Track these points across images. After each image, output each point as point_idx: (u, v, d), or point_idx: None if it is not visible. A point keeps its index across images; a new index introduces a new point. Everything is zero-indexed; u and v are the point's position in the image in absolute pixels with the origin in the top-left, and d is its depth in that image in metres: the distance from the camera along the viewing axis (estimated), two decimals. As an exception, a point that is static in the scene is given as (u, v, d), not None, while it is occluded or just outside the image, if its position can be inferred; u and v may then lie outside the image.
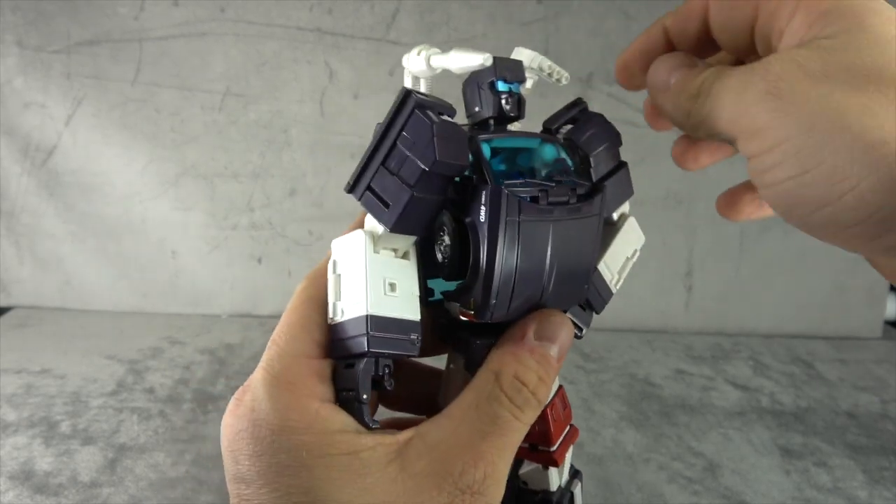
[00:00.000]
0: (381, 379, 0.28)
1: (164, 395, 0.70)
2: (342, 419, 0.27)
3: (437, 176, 0.27)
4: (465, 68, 0.29)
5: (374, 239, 0.29)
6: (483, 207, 0.27)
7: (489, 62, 0.28)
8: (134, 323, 0.91)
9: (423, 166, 0.26)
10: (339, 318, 0.29)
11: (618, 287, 0.34)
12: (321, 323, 0.29)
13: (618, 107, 0.87)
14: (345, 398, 0.28)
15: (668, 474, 0.60)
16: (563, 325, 0.29)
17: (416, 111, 0.27)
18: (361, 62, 0.87)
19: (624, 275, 0.35)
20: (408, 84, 0.31)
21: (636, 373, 0.81)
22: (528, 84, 0.33)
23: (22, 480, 0.55)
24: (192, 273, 0.94)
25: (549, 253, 0.28)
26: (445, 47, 0.30)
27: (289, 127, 0.90)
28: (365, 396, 0.27)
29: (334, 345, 0.29)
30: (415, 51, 0.30)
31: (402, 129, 0.27)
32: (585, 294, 0.31)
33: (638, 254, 0.35)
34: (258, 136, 0.90)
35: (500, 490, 0.27)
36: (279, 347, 0.28)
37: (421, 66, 0.30)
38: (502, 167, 0.28)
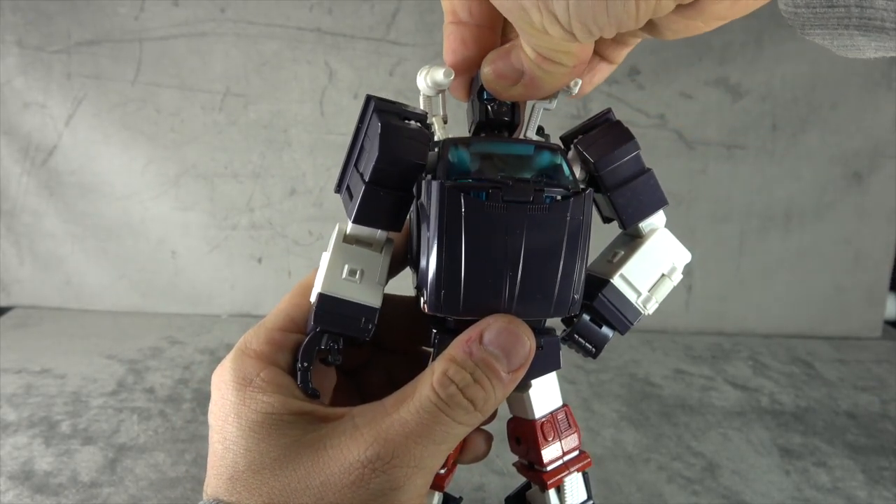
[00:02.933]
0: (326, 353, 0.31)
1: (164, 394, 0.70)
2: (282, 382, 0.30)
3: (387, 172, 0.28)
4: (437, 83, 0.30)
5: (349, 231, 0.31)
6: (429, 203, 0.27)
7: (450, 76, 0.29)
8: (134, 323, 0.91)
9: (372, 161, 0.28)
10: (312, 298, 0.32)
11: (650, 308, 0.32)
12: (302, 304, 0.32)
13: (617, 106, 0.87)
14: (296, 367, 0.31)
15: (668, 474, 0.60)
16: (518, 339, 0.28)
17: (374, 114, 0.29)
18: (361, 62, 0.88)
19: (659, 294, 0.32)
20: (421, 104, 0.32)
21: (636, 373, 0.81)
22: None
23: (22, 480, 0.55)
24: (192, 273, 0.94)
25: (507, 251, 0.27)
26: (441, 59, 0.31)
27: (289, 127, 0.90)
28: (306, 364, 0.30)
29: (308, 321, 0.32)
30: (418, 73, 0.31)
31: (366, 132, 0.30)
32: (572, 305, 0.29)
33: (679, 272, 0.33)
34: (258, 136, 0.90)
35: (412, 478, 0.27)
36: (261, 322, 0.32)
37: (422, 86, 0.31)
38: (467, 168, 0.28)
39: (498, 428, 0.36)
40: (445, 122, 0.32)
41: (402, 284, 0.35)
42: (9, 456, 0.58)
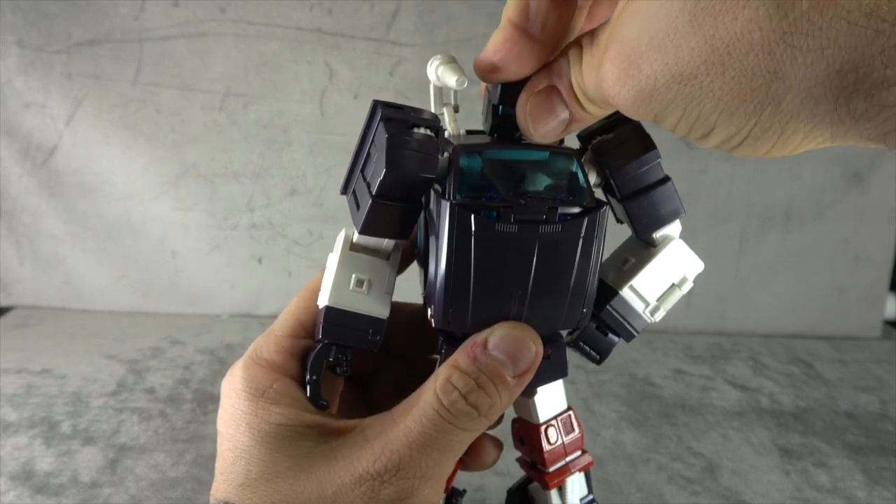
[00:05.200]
0: (334, 365, 0.31)
1: (164, 395, 0.70)
2: (295, 394, 0.30)
3: (395, 186, 0.27)
4: (447, 86, 0.29)
5: (355, 240, 0.31)
6: (439, 220, 0.27)
7: (462, 86, 0.28)
8: (134, 323, 0.91)
9: (379, 176, 0.27)
10: (319, 305, 0.31)
11: (657, 317, 0.32)
12: (311, 307, 0.32)
13: (618, 107, 0.87)
14: (305, 379, 0.31)
15: (668, 474, 0.60)
16: (523, 343, 0.28)
17: (381, 123, 0.28)
18: (361, 62, 0.88)
19: (668, 304, 0.32)
20: (432, 96, 0.31)
21: (636, 373, 0.81)
22: None
23: (23, 481, 0.55)
24: (192, 273, 0.94)
25: (516, 271, 0.27)
26: (445, 48, 0.30)
27: (289, 127, 0.90)
28: (315, 377, 0.30)
29: (315, 330, 0.32)
30: (429, 62, 0.30)
31: (372, 140, 0.29)
32: (581, 319, 0.29)
33: (690, 282, 0.32)
34: (258, 136, 0.90)
35: (420, 489, 0.27)
36: (271, 327, 0.33)
37: (433, 77, 0.30)
38: (478, 181, 0.27)
39: (499, 429, 0.36)
40: (457, 112, 0.31)
41: (409, 288, 0.35)
42: (9, 456, 0.58)
